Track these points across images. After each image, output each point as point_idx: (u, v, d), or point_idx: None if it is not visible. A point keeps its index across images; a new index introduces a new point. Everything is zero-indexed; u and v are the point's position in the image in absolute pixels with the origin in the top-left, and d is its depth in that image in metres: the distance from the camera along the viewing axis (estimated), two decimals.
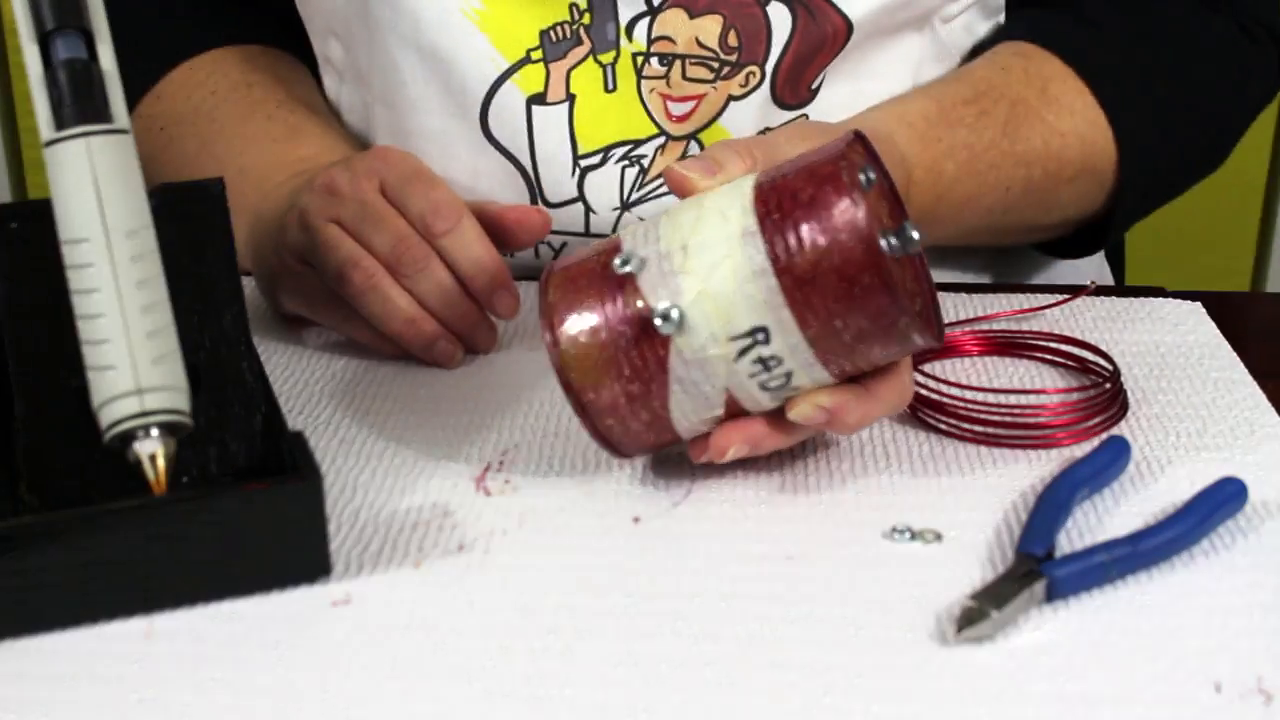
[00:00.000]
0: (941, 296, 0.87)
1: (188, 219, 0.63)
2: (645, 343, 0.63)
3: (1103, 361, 0.77)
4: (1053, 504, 0.64)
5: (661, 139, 0.87)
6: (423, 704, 0.54)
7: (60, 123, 0.58)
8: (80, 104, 0.58)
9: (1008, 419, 0.71)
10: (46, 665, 0.56)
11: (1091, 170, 0.88)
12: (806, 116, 0.88)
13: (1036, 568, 0.60)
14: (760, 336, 0.62)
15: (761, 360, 0.62)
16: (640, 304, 0.62)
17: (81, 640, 0.58)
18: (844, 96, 0.88)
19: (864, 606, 0.59)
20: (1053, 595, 0.59)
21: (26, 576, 0.57)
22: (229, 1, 0.97)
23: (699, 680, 0.55)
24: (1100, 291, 0.89)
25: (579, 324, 0.64)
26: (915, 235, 0.60)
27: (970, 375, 0.78)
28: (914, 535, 0.64)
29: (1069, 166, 0.87)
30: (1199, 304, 0.87)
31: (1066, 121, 0.86)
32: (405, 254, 0.76)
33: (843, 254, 0.60)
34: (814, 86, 0.88)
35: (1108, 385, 0.74)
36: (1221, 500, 0.64)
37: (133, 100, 0.89)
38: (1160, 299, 0.88)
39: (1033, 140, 0.86)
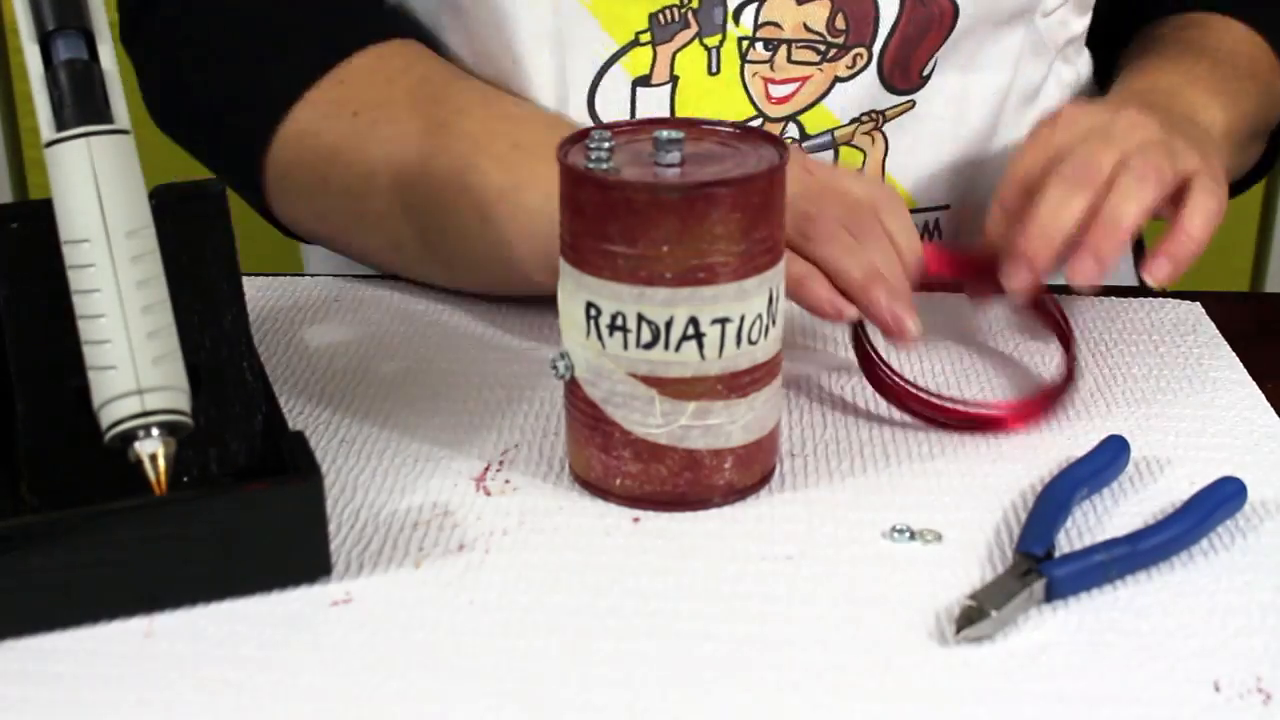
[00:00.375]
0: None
1: (188, 219, 0.63)
2: (575, 403, 0.66)
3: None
4: (1052, 503, 0.64)
5: (759, 120, 0.88)
6: (423, 704, 0.54)
7: (61, 123, 0.58)
8: (81, 104, 0.58)
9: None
10: (47, 665, 0.56)
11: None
12: (914, 103, 0.89)
13: (1035, 567, 0.60)
14: (592, 311, 0.63)
15: (610, 328, 0.63)
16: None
17: (82, 640, 0.58)
18: (954, 86, 0.90)
19: (864, 606, 0.59)
20: (1052, 595, 0.59)
21: (27, 576, 0.57)
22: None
23: (699, 680, 0.55)
24: (1100, 291, 0.89)
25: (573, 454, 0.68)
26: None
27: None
28: (914, 535, 0.64)
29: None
30: (1198, 304, 0.87)
31: None
32: (857, 221, 0.74)
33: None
34: (925, 73, 0.89)
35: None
36: (1221, 500, 0.64)
37: (305, 83, 0.85)
38: (1160, 299, 0.88)
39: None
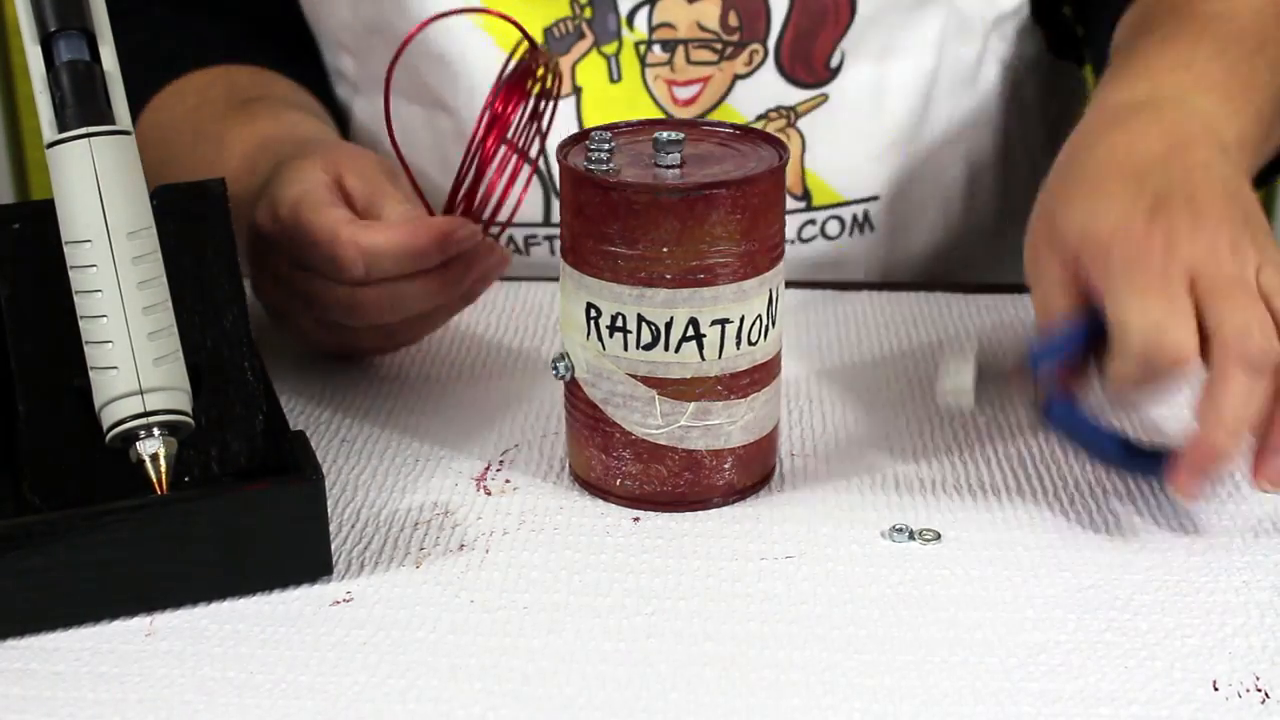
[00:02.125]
0: (956, 298, 0.88)
1: (188, 219, 0.64)
2: (575, 404, 0.66)
3: None
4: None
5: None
6: (423, 704, 0.54)
7: (63, 124, 0.58)
8: (83, 105, 0.58)
9: None
10: (48, 664, 0.56)
11: None
12: (826, 97, 0.88)
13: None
14: (592, 312, 0.63)
15: (610, 329, 0.63)
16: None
17: (83, 639, 0.58)
18: (867, 76, 0.89)
19: (863, 606, 0.59)
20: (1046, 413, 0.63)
21: (29, 576, 0.57)
22: (237, 19, 0.95)
23: (699, 680, 0.55)
24: None
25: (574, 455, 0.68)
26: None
27: None
28: (913, 535, 0.64)
29: None
30: None
31: None
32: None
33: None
34: (832, 65, 0.88)
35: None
36: None
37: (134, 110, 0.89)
38: None
39: None
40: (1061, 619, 0.59)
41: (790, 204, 0.90)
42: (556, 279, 0.75)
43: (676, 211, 0.61)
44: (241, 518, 0.59)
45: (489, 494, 0.68)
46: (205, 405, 0.63)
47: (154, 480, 0.58)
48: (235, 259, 0.65)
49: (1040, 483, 0.68)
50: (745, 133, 0.66)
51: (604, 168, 0.63)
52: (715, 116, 0.88)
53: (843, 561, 0.62)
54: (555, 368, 0.66)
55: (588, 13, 0.86)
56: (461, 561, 0.63)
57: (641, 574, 0.62)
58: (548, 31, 0.86)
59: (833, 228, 0.92)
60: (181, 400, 0.59)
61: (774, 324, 0.65)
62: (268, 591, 0.60)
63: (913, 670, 0.56)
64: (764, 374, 0.65)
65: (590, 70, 0.87)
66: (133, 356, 0.58)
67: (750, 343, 0.64)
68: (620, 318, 0.63)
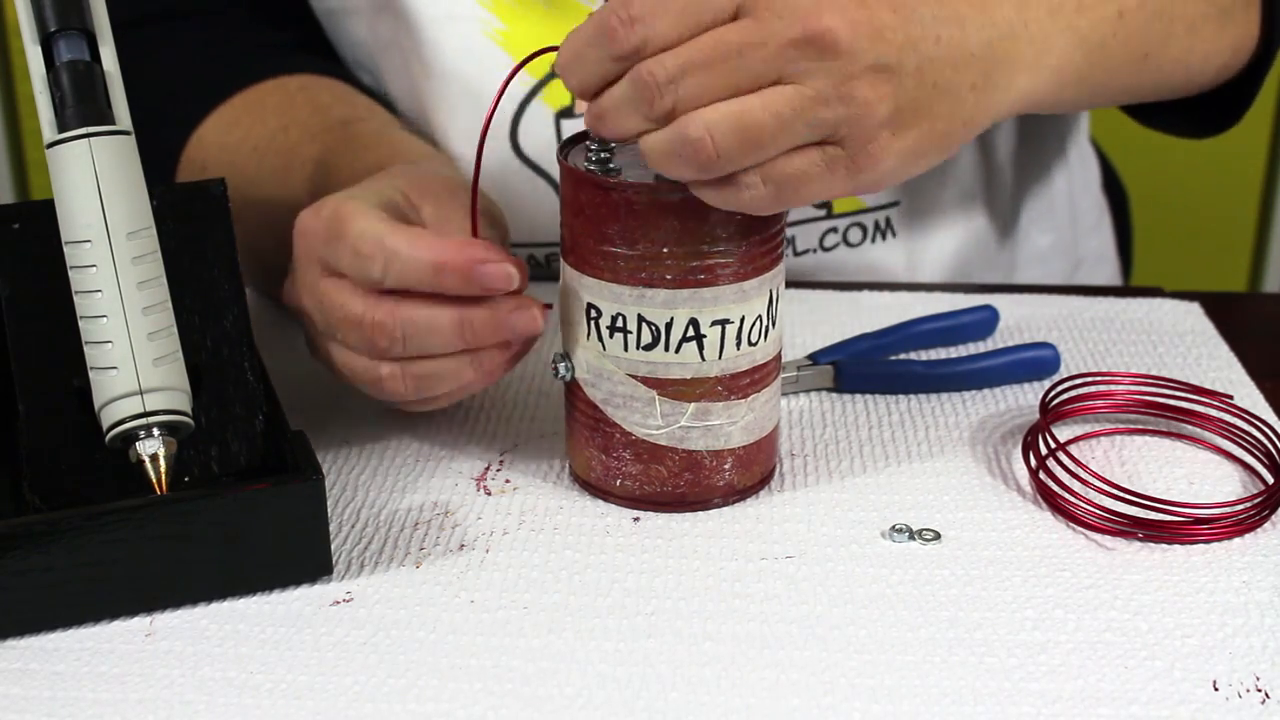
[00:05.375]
0: (945, 297, 0.88)
1: (189, 220, 0.64)
2: (575, 404, 0.66)
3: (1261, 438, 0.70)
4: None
5: None
6: (423, 704, 0.54)
7: (63, 124, 0.58)
8: (82, 105, 0.58)
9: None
10: (48, 664, 0.56)
11: None
12: None
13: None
14: (592, 313, 0.63)
15: (610, 329, 0.63)
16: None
17: (83, 639, 0.58)
18: None
19: (863, 606, 0.59)
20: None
21: (29, 576, 0.57)
22: (274, 38, 0.92)
23: (699, 680, 0.55)
24: (1100, 292, 0.89)
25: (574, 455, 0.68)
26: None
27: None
28: (912, 535, 0.64)
29: None
30: (1197, 304, 0.87)
31: None
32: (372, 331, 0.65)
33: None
34: None
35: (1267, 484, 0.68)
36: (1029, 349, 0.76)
37: (176, 148, 0.85)
38: (1159, 299, 0.88)
39: None
40: (1061, 619, 0.59)
41: (810, 212, 0.90)
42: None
43: (677, 212, 0.61)
44: (241, 518, 0.59)
45: (489, 494, 0.68)
46: (205, 405, 0.63)
47: (154, 480, 0.58)
48: (235, 259, 0.65)
49: (1040, 483, 0.68)
50: None
51: (604, 168, 0.63)
52: None
53: (843, 561, 0.62)
54: (555, 368, 0.66)
55: None
56: (461, 561, 0.63)
57: (641, 574, 0.62)
58: None
59: (854, 235, 0.92)
60: (181, 400, 0.59)
61: (774, 324, 0.65)
62: (268, 591, 0.60)
63: (913, 670, 0.56)
64: (764, 374, 0.65)
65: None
66: (132, 357, 0.58)
67: (750, 343, 0.64)
68: (620, 318, 0.63)
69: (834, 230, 0.91)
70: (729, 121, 0.56)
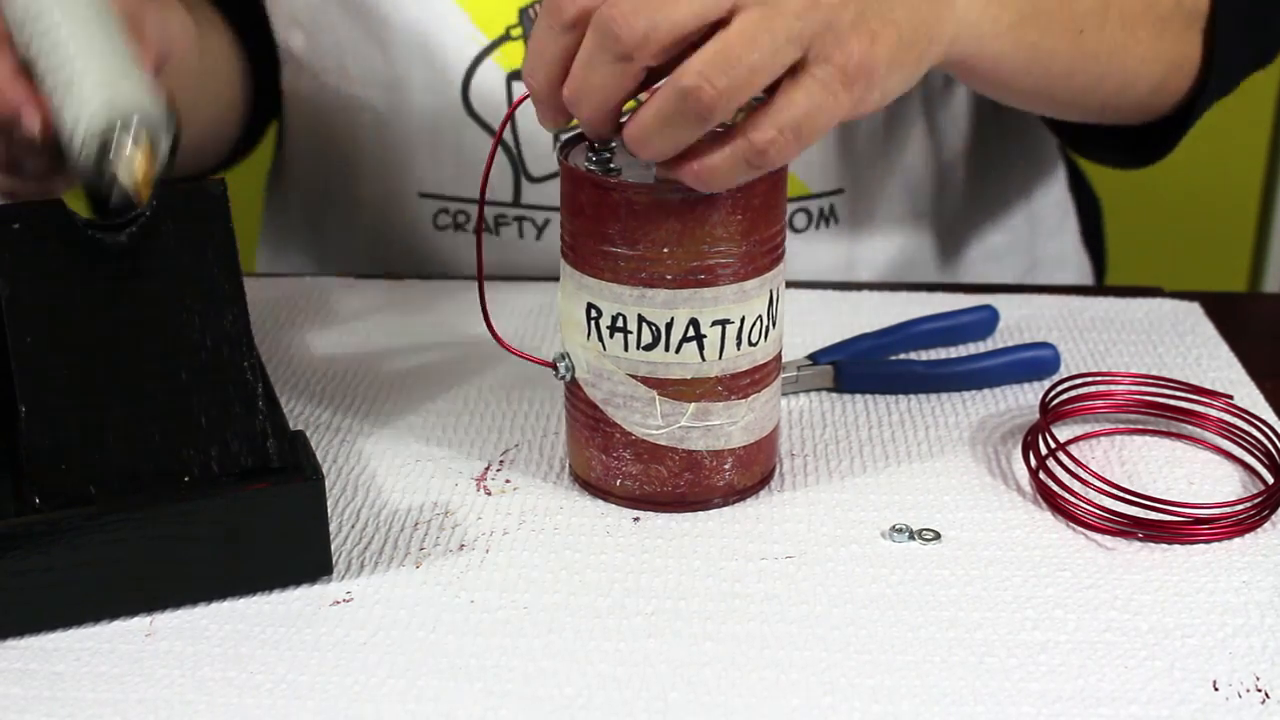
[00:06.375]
0: (937, 296, 0.88)
1: (188, 219, 0.63)
2: (575, 404, 0.66)
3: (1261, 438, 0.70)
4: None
5: None
6: (423, 704, 0.54)
7: None
8: None
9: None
10: (49, 664, 0.56)
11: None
12: None
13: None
14: (592, 313, 0.63)
15: (611, 329, 0.63)
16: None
17: (83, 639, 0.58)
18: None
19: (863, 606, 0.59)
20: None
21: (29, 576, 0.57)
22: None
23: (699, 680, 0.55)
24: (1100, 292, 0.89)
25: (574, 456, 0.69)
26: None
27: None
28: (912, 535, 0.64)
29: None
30: (1197, 304, 0.87)
31: None
32: None
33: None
34: None
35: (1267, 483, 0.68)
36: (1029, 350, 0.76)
37: None
38: (1159, 299, 0.88)
39: None
40: (1061, 619, 0.59)
41: None
42: (536, 274, 0.74)
43: (677, 212, 0.61)
44: (241, 518, 0.59)
45: (489, 494, 0.68)
46: (205, 405, 0.63)
47: (132, 186, 0.54)
48: (235, 259, 0.65)
49: (1040, 483, 0.68)
50: None
51: (605, 168, 0.63)
52: None
53: (843, 561, 0.62)
54: (556, 368, 0.66)
55: None
56: (461, 561, 0.63)
57: (641, 574, 0.62)
58: (523, 13, 0.85)
59: (800, 220, 0.92)
60: (151, 102, 0.55)
61: (774, 324, 0.65)
62: (268, 591, 0.60)
63: (913, 670, 0.56)
64: (764, 374, 0.65)
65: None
66: (96, 68, 0.55)
67: (750, 343, 0.64)
68: (621, 318, 0.63)
69: None
70: (715, 59, 0.57)
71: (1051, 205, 1.04)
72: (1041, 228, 1.03)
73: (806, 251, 0.93)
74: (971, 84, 0.79)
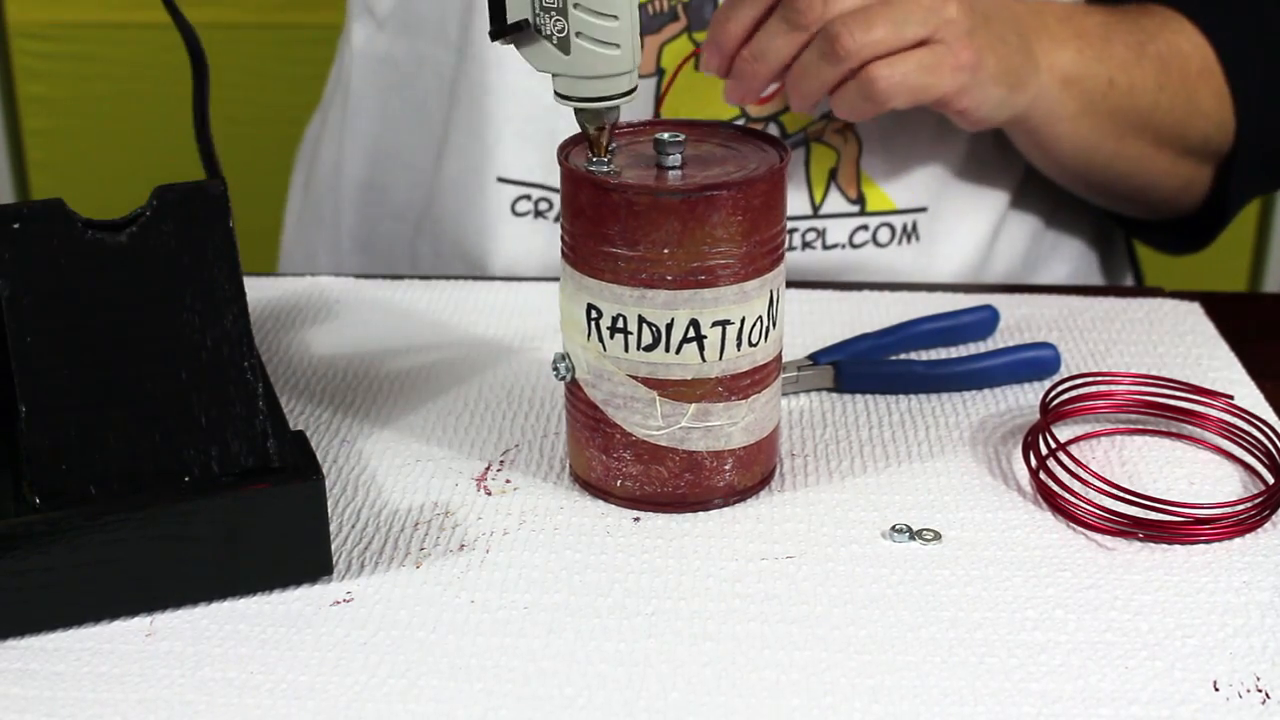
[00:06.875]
0: (943, 296, 0.88)
1: (188, 219, 0.63)
2: (576, 405, 0.66)
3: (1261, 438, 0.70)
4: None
5: (741, 119, 0.88)
6: (423, 704, 0.54)
7: None
8: None
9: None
10: (49, 664, 0.56)
11: (1217, 85, 0.92)
12: None
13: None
14: (593, 313, 0.63)
15: (611, 330, 0.63)
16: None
17: (83, 639, 0.58)
18: None
19: (864, 606, 0.59)
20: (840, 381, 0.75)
21: (29, 576, 0.57)
22: None
23: (699, 680, 0.55)
24: (1100, 291, 0.89)
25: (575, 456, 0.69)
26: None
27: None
28: (913, 535, 0.64)
29: (1200, 73, 0.91)
30: (1197, 304, 0.87)
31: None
32: None
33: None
34: None
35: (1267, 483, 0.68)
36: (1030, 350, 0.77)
37: None
38: (1159, 299, 0.88)
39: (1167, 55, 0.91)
40: (1061, 619, 0.59)
41: (845, 207, 0.91)
42: (554, 278, 0.74)
43: (677, 213, 0.61)
44: (241, 518, 0.59)
45: (489, 494, 0.68)
46: (205, 405, 0.63)
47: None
48: (236, 259, 0.65)
49: (1040, 483, 0.68)
50: (746, 134, 0.66)
51: (605, 169, 0.63)
52: (788, 117, 0.90)
53: (843, 561, 0.62)
54: (556, 368, 0.66)
55: None
56: (461, 561, 0.63)
57: (641, 574, 0.62)
58: (641, 8, 0.86)
59: (884, 235, 0.92)
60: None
61: (775, 325, 0.65)
62: (268, 591, 0.60)
63: (913, 670, 0.56)
64: (764, 375, 0.65)
65: (676, 54, 0.87)
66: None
67: (751, 344, 0.64)
68: (621, 319, 0.63)
69: (864, 228, 0.92)
70: (857, 15, 0.76)
71: (1112, 228, 1.05)
72: (1102, 253, 1.04)
73: (886, 266, 0.93)
74: (1029, 154, 0.91)
